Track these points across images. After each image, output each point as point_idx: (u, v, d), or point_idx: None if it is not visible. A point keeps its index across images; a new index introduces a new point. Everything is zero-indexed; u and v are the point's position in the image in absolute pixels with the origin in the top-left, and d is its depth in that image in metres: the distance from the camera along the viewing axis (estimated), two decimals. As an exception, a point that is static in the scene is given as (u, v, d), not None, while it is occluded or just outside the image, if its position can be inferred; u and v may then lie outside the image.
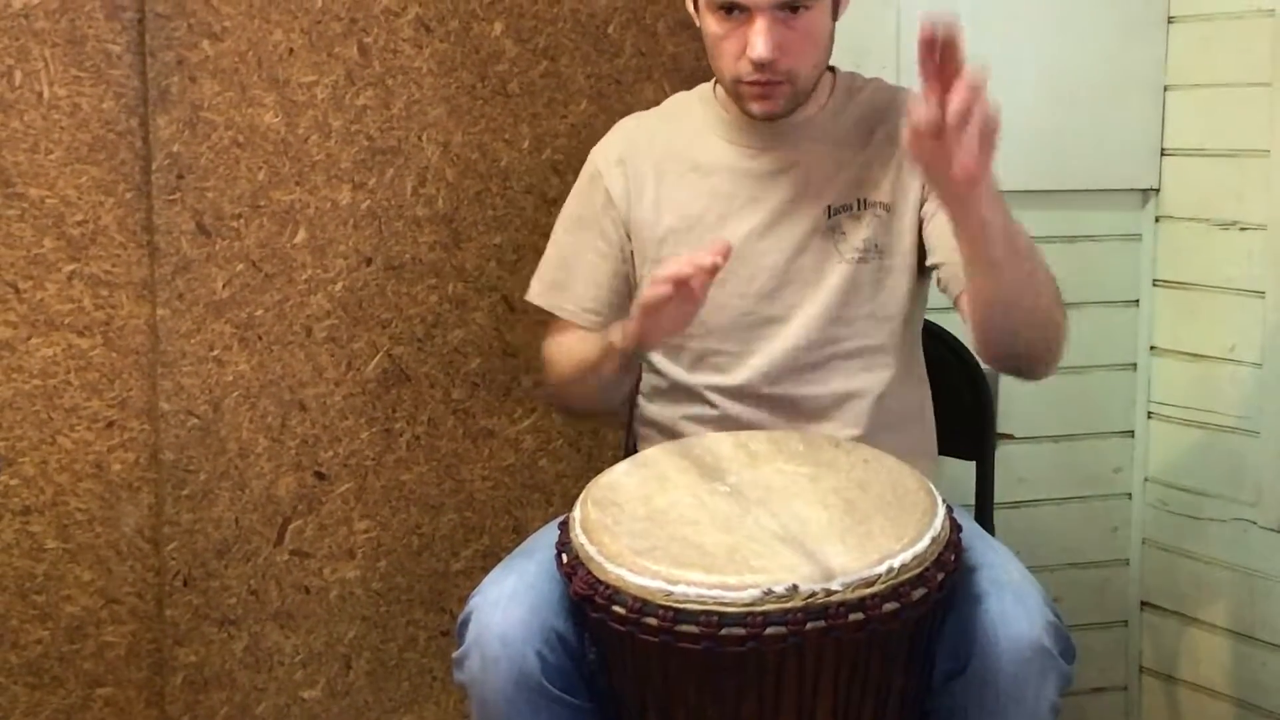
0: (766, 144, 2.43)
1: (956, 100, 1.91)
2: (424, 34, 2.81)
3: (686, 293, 2.15)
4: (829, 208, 2.40)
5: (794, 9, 2.28)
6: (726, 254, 2.13)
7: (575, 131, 2.90)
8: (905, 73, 2.96)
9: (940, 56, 1.94)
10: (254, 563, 2.83)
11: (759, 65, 2.29)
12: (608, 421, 2.92)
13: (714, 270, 2.12)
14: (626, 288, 2.50)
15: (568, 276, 2.50)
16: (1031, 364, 2.28)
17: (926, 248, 2.40)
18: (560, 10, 2.88)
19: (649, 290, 2.18)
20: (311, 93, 2.77)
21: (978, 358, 2.32)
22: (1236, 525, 3.09)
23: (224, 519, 2.80)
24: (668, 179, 2.46)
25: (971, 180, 1.94)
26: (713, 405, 2.43)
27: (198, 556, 2.79)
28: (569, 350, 2.47)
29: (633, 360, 2.35)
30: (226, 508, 2.80)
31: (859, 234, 2.39)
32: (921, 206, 2.40)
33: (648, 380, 2.53)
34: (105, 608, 2.76)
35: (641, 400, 2.55)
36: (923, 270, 2.43)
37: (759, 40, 2.27)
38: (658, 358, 2.48)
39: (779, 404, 2.40)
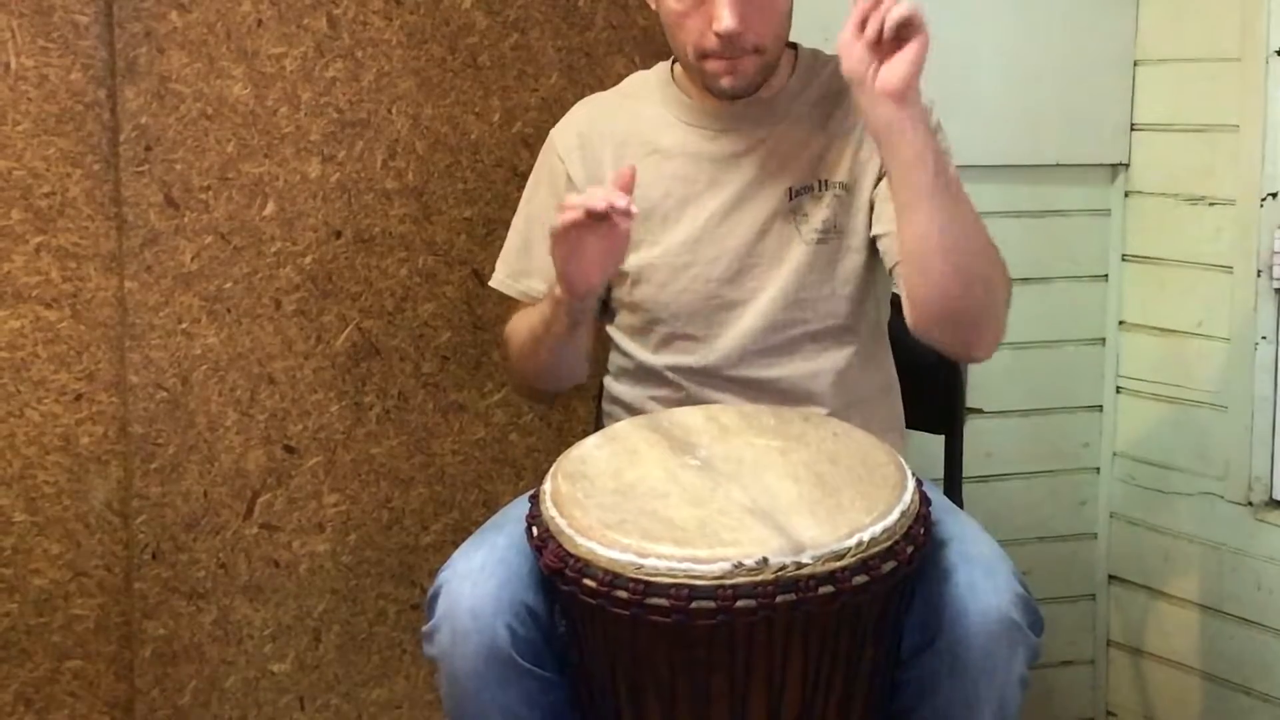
0: (727, 126, 2.42)
1: (882, 8, 2.05)
2: (394, 6, 2.80)
3: (607, 228, 2.15)
4: (790, 189, 2.39)
5: None
6: (631, 179, 2.15)
7: (546, 105, 2.89)
8: (876, 47, 2.96)
9: None
10: (223, 536, 2.82)
11: (726, 38, 2.27)
12: (564, 396, 2.93)
13: (626, 212, 2.11)
14: None
15: (530, 261, 2.49)
16: (967, 332, 2.24)
17: (873, 220, 2.38)
18: (531, -18, 2.88)
19: (558, 216, 2.17)
20: (280, 64, 2.75)
21: (912, 329, 2.24)
22: (1204, 499, 3.11)
23: (193, 492, 2.79)
24: (626, 162, 2.43)
25: (897, 92, 2.05)
26: (679, 387, 2.43)
27: (166, 530, 2.78)
28: (521, 324, 2.45)
29: (575, 311, 2.30)
30: (195, 481, 2.79)
31: (819, 215, 2.39)
32: (877, 183, 2.39)
33: (615, 360, 2.52)
34: (73, 580, 2.75)
35: (609, 380, 2.55)
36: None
37: (724, 12, 2.25)
38: (624, 339, 2.47)
39: (744, 385, 2.40)
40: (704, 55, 2.33)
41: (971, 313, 2.22)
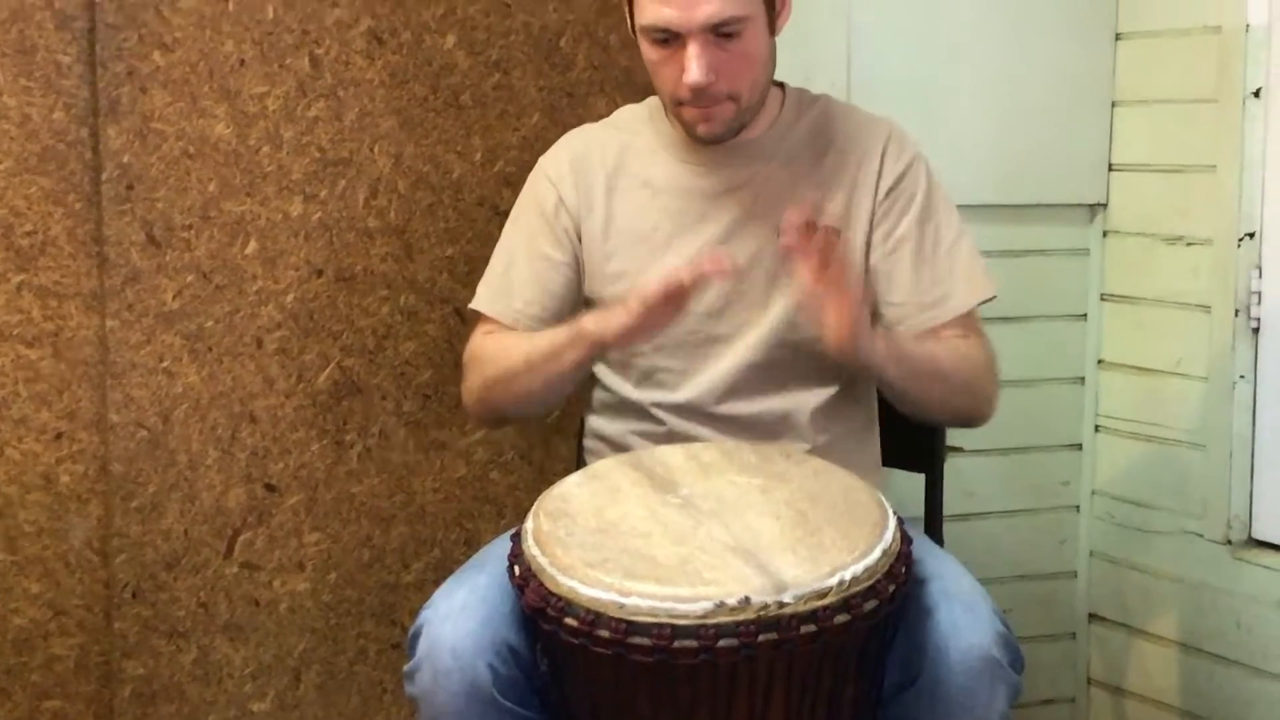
0: (717, 162, 2.42)
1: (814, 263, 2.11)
2: (376, 46, 2.81)
3: (682, 299, 2.18)
4: (778, 228, 2.39)
5: (726, 34, 2.26)
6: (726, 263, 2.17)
7: (528, 144, 2.89)
8: (855, 88, 2.98)
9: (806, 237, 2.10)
10: (203, 575, 2.81)
11: (696, 90, 2.28)
12: (544, 433, 2.93)
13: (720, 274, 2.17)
14: (574, 296, 2.47)
15: (515, 282, 2.47)
16: (956, 424, 2.51)
17: (873, 280, 2.42)
18: (513, 23, 2.88)
19: (657, 286, 2.16)
20: (263, 104, 2.75)
21: None
22: (1183, 538, 3.11)
23: (173, 531, 2.78)
24: (617, 194, 2.45)
25: (840, 347, 2.14)
26: (660, 422, 2.42)
27: (147, 569, 2.77)
28: (511, 345, 2.42)
29: (603, 352, 2.34)
30: (176, 520, 2.78)
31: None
32: (870, 229, 2.40)
33: (597, 396, 2.52)
34: (53, 620, 2.74)
35: (591, 416, 2.54)
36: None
37: (692, 66, 2.25)
38: (606, 373, 2.47)
39: (726, 421, 2.39)
40: (679, 103, 2.33)
41: (957, 419, 2.48)
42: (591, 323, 2.28)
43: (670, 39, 2.27)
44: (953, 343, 2.37)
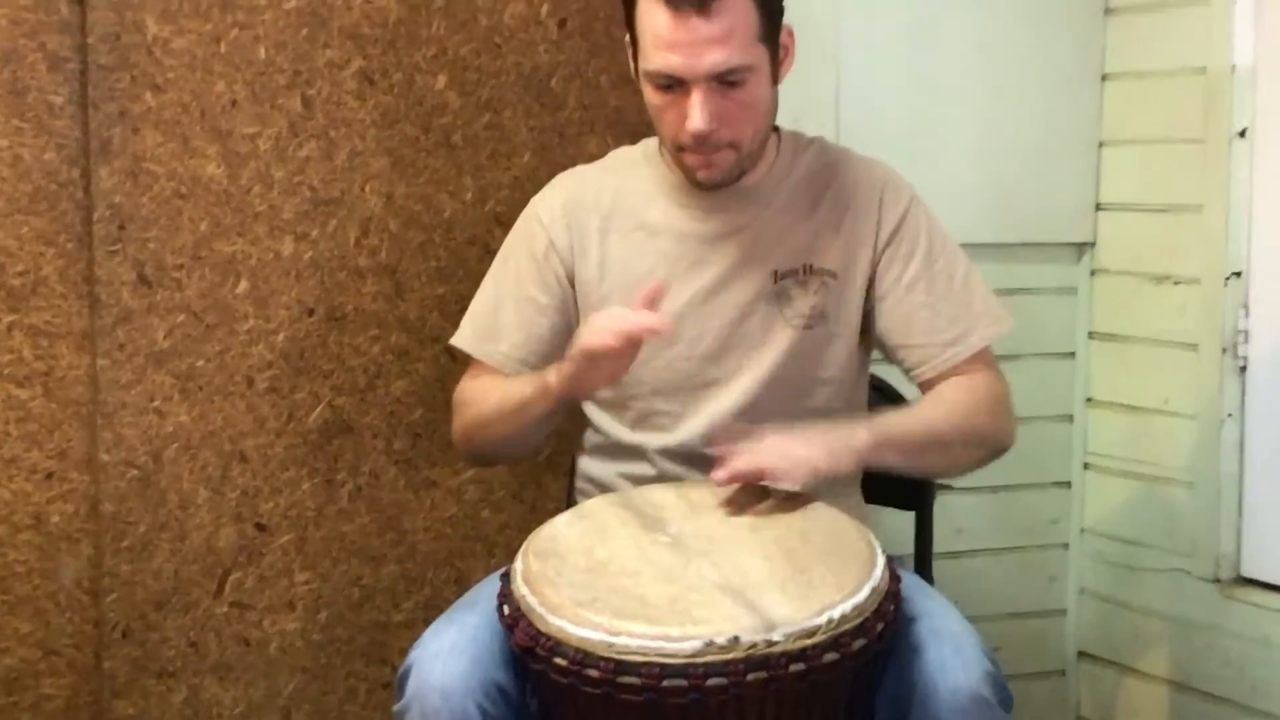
0: (714, 207, 2.42)
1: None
2: (367, 86, 2.81)
3: (628, 349, 2.18)
4: (775, 272, 2.40)
5: (730, 82, 2.26)
6: (669, 328, 2.20)
7: (518, 184, 2.90)
8: (845, 131, 2.99)
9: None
10: (193, 614, 2.80)
11: (698, 137, 2.28)
12: (536, 473, 2.93)
13: (654, 335, 2.18)
14: (560, 340, 2.47)
15: (501, 325, 2.47)
16: (973, 470, 2.49)
17: (881, 329, 2.44)
18: (504, 64, 2.89)
19: (594, 338, 2.19)
20: (254, 144, 2.76)
21: None
22: (1172, 575, 3.11)
23: (163, 570, 2.77)
24: (612, 237, 2.45)
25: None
26: (652, 464, 2.42)
27: (137, 608, 2.76)
28: (489, 389, 2.43)
29: (565, 404, 2.34)
30: (166, 559, 2.77)
31: (806, 300, 2.39)
32: (871, 278, 2.41)
33: (588, 438, 2.51)
34: (44, 660, 2.73)
35: (582, 457, 2.54)
36: (866, 338, 2.45)
37: (695, 113, 2.26)
38: (600, 416, 2.47)
39: (716, 465, 2.39)
40: (681, 148, 2.34)
41: (978, 465, 2.46)
42: (551, 375, 2.30)
43: (674, 85, 2.27)
44: (954, 398, 2.38)
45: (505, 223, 2.81)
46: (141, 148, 2.69)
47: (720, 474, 2.17)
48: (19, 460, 2.68)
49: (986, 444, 2.40)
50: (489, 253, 2.80)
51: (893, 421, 2.33)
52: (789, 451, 2.19)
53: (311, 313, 2.82)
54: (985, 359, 2.43)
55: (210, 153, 2.73)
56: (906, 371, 2.43)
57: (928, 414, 2.37)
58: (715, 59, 2.23)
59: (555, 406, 2.33)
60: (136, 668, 2.77)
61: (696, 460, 2.39)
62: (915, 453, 2.33)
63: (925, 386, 2.41)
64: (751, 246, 2.41)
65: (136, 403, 2.73)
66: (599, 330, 2.19)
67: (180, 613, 2.79)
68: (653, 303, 2.19)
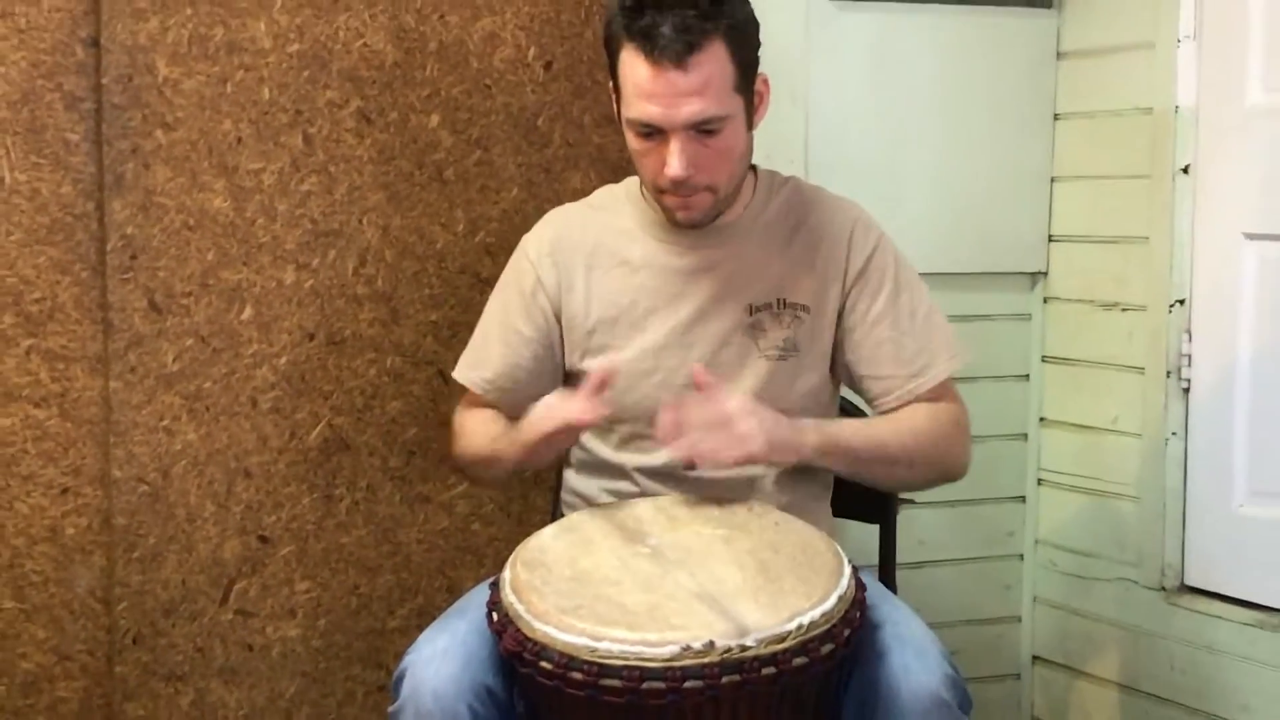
0: (693, 243, 2.42)
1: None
2: (365, 125, 2.83)
3: (572, 432, 2.29)
4: (750, 306, 2.41)
5: (708, 130, 2.27)
6: (598, 420, 2.26)
7: (507, 216, 2.91)
8: (814, 169, 3.01)
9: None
10: (200, 622, 2.81)
11: (676, 182, 2.29)
12: (523, 488, 2.95)
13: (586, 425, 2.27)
14: (541, 369, 2.49)
15: (488, 355, 2.48)
16: (923, 489, 2.54)
17: (848, 360, 2.45)
18: (493, 104, 2.90)
19: (541, 424, 2.27)
20: (259, 179, 2.77)
21: None
22: (1120, 584, 3.13)
23: (172, 580, 2.78)
24: (597, 272, 2.45)
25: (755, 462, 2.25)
26: (635, 481, 2.43)
27: (147, 616, 2.77)
28: (481, 430, 2.46)
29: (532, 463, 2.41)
30: (174, 569, 2.78)
31: (779, 332, 2.40)
32: (840, 311, 2.43)
33: (575, 454, 2.52)
34: (59, 664, 2.73)
35: (569, 473, 2.55)
36: (837, 368, 2.46)
37: (673, 160, 2.26)
38: (587, 437, 2.46)
39: (697, 485, 2.39)
40: (660, 190, 2.34)
41: (926, 485, 2.50)
42: (525, 433, 2.33)
43: (654, 133, 2.27)
44: (912, 422, 2.39)
45: (494, 253, 2.84)
46: (152, 182, 2.70)
47: (666, 426, 2.21)
48: (36, 476, 2.69)
49: (938, 468, 2.42)
50: (479, 281, 2.83)
51: (846, 433, 2.34)
52: (737, 427, 2.20)
53: (312, 337, 2.84)
54: (946, 388, 2.44)
55: (217, 187, 2.75)
56: (870, 401, 2.44)
57: (881, 432, 2.38)
58: (692, 110, 2.24)
59: (528, 456, 2.37)
60: (146, 672, 2.78)
61: (676, 479, 2.40)
62: (860, 464, 2.35)
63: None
64: (728, 281, 2.42)
65: (147, 422, 2.74)
66: (544, 417, 2.26)
67: (188, 620, 2.80)
68: (601, 385, 2.23)
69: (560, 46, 2.94)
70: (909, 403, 2.40)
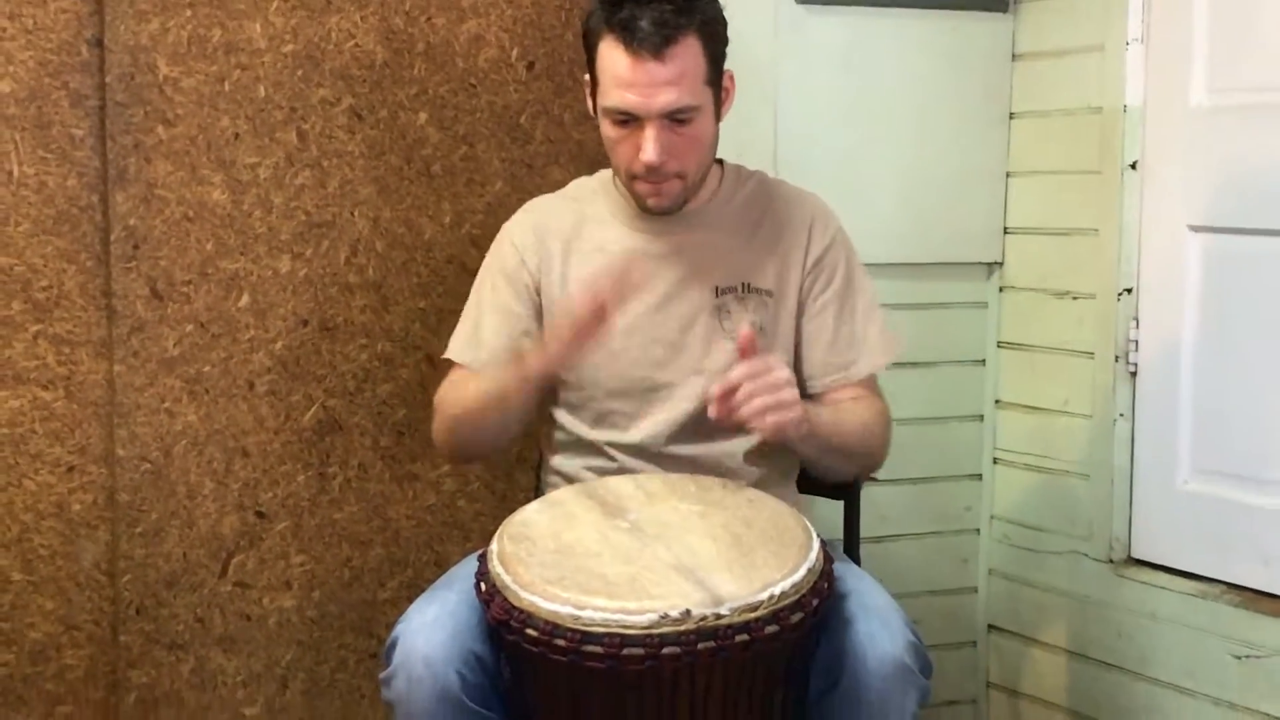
0: (662, 229, 2.43)
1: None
2: (356, 122, 2.81)
3: (602, 316, 2.20)
4: (716, 289, 2.41)
5: (680, 119, 2.28)
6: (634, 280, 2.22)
7: (491, 209, 2.90)
8: (782, 163, 3.01)
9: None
10: (200, 593, 2.79)
11: (650, 168, 2.30)
12: (506, 467, 2.93)
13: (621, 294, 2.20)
14: (533, 342, 2.48)
15: (483, 336, 2.46)
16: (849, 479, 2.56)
17: (802, 347, 2.45)
18: (478, 102, 2.89)
19: (583, 301, 2.21)
20: (255, 173, 2.75)
21: None
22: (1071, 557, 3.13)
23: (173, 554, 2.76)
24: (574, 258, 2.45)
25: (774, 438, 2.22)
26: (611, 459, 2.42)
27: (149, 588, 2.75)
28: (466, 385, 2.42)
29: (543, 387, 2.36)
30: (176, 544, 2.76)
31: (744, 316, 2.40)
32: (800, 296, 2.42)
33: (555, 436, 2.51)
34: (66, 634, 2.72)
35: (550, 453, 2.54)
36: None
37: (649, 147, 2.27)
38: (564, 416, 2.46)
39: (670, 461, 2.39)
40: (633, 177, 2.34)
41: (856, 476, 2.54)
42: (531, 358, 2.30)
43: (630, 121, 2.28)
44: (862, 415, 2.41)
45: (480, 243, 2.82)
46: (154, 176, 2.68)
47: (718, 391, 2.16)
48: (43, 455, 2.67)
49: (868, 460, 2.46)
50: (465, 270, 2.81)
51: (823, 419, 2.33)
52: (785, 393, 2.17)
53: (306, 324, 2.82)
54: (871, 385, 2.47)
55: (215, 180, 2.73)
56: (802, 381, 2.43)
57: (846, 424, 2.38)
58: (668, 99, 2.25)
59: (530, 391, 2.33)
60: (149, 641, 2.76)
61: (651, 456, 2.40)
62: (823, 451, 2.36)
63: (813, 398, 2.42)
64: (695, 265, 2.42)
65: (149, 404, 2.72)
66: (580, 306, 2.22)
67: (188, 591, 2.78)
68: (624, 276, 2.21)
69: (542, 48, 2.92)
70: (832, 389, 2.42)
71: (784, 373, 2.18)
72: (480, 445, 2.49)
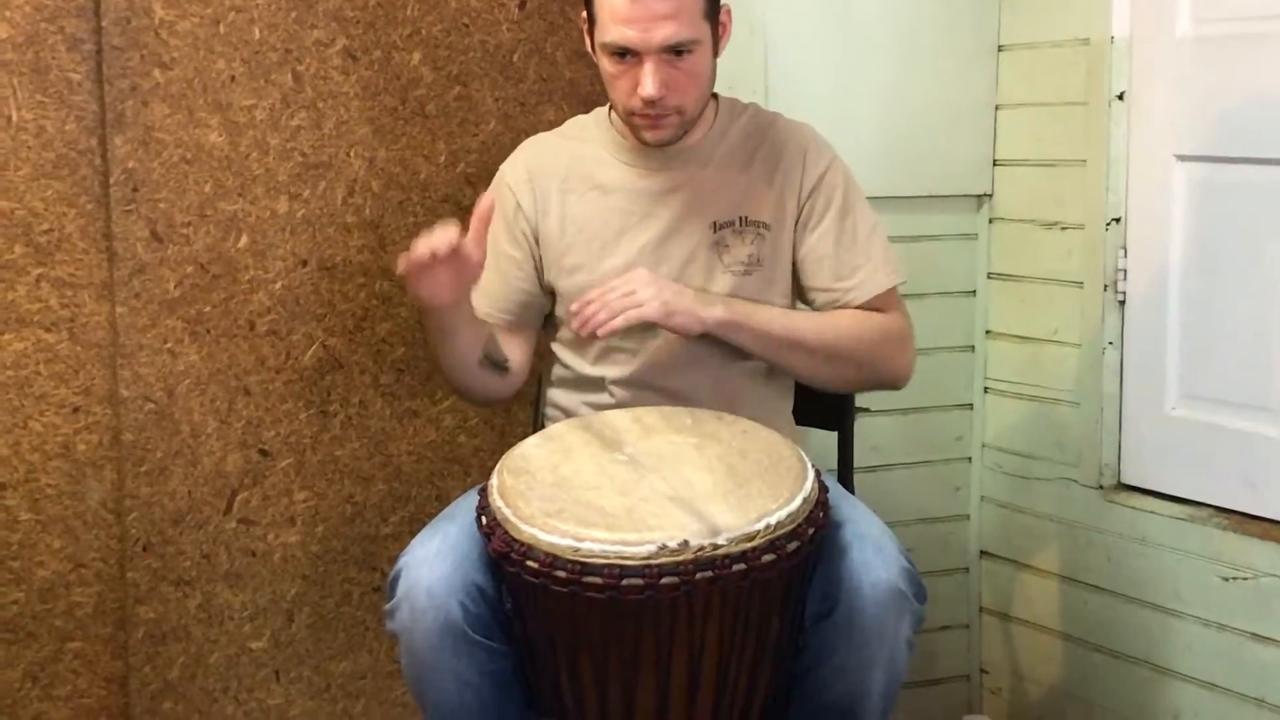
0: (659, 166, 2.43)
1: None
2: (350, 63, 2.80)
3: (459, 262, 2.23)
4: (714, 223, 2.41)
5: (679, 52, 2.28)
6: (489, 210, 2.25)
7: (486, 148, 2.89)
8: (772, 96, 2.99)
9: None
10: (205, 530, 2.80)
11: (649, 102, 2.29)
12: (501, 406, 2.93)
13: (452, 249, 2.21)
14: (533, 288, 2.49)
15: (484, 282, 2.45)
16: (871, 388, 2.55)
17: (795, 271, 2.46)
18: (471, 41, 2.87)
19: (408, 256, 2.25)
20: (251, 115, 2.74)
21: None
22: (1061, 484, 3.14)
23: (178, 492, 2.77)
24: (571, 196, 2.45)
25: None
26: (611, 394, 2.43)
27: (155, 525, 2.76)
28: None
29: (442, 321, 2.37)
30: (181, 482, 2.77)
31: (743, 249, 2.40)
32: (796, 225, 2.43)
33: (555, 371, 2.52)
34: (74, 571, 2.72)
35: (549, 388, 2.55)
36: (798, 282, 2.46)
37: (648, 80, 2.27)
38: (565, 352, 2.48)
39: (667, 394, 2.40)
40: (631, 112, 2.34)
41: (861, 387, 2.53)
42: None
43: (628, 55, 2.28)
44: (840, 320, 2.41)
45: (474, 183, 2.82)
46: (151, 119, 2.67)
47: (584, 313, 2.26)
48: (49, 396, 2.68)
49: (867, 369, 2.42)
50: (461, 209, 2.81)
51: (760, 315, 2.35)
52: (626, 290, 2.28)
53: (305, 264, 2.81)
54: (889, 301, 2.45)
55: (212, 123, 2.72)
56: (814, 310, 2.45)
57: (800, 321, 2.39)
58: (666, 33, 2.25)
59: (436, 326, 2.37)
60: (156, 577, 2.78)
61: (648, 390, 2.41)
62: (775, 349, 2.37)
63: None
64: (693, 200, 2.42)
65: (151, 344, 2.72)
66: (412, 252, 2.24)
67: (194, 529, 2.79)
68: (484, 212, 2.24)
69: (534, -14, 2.91)
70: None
71: (640, 280, 2.28)
72: (470, 390, 2.51)
